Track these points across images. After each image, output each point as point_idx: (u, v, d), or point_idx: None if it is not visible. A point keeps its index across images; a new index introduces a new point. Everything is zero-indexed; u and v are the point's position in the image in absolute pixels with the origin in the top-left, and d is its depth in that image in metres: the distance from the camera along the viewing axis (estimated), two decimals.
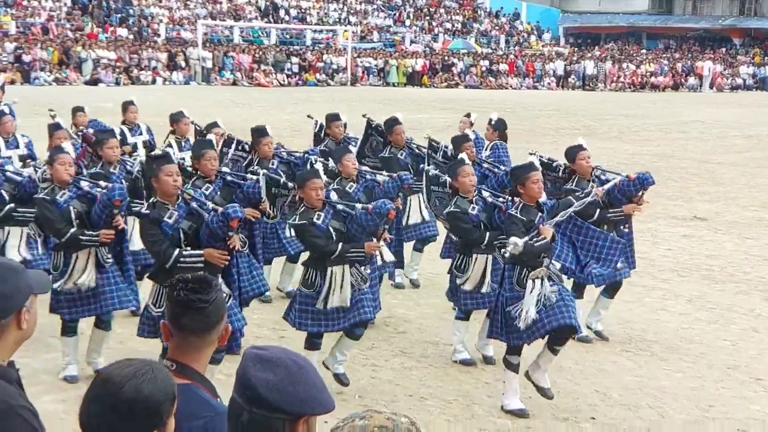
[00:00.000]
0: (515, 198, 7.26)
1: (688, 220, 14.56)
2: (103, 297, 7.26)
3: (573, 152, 8.56)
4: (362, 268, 7.10)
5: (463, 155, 8.29)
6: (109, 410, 2.41)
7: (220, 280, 6.53)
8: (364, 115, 10.99)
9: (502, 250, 6.92)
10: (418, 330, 8.97)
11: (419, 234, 10.23)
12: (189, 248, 6.54)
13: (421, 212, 10.06)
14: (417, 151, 10.25)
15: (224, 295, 6.54)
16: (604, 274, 8.39)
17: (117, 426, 2.42)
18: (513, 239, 6.64)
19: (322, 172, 7.36)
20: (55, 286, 7.14)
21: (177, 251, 6.47)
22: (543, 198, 7.33)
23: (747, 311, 9.77)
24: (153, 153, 8.53)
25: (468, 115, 12.07)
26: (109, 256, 7.30)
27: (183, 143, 10.86)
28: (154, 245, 6.57)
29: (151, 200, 6.78)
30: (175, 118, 11.15)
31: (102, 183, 7.43)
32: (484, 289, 7.76)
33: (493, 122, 11.26)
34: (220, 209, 6.52)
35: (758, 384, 7.72)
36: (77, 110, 12.21)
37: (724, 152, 23.48)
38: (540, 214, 7.10)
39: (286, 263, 10.01)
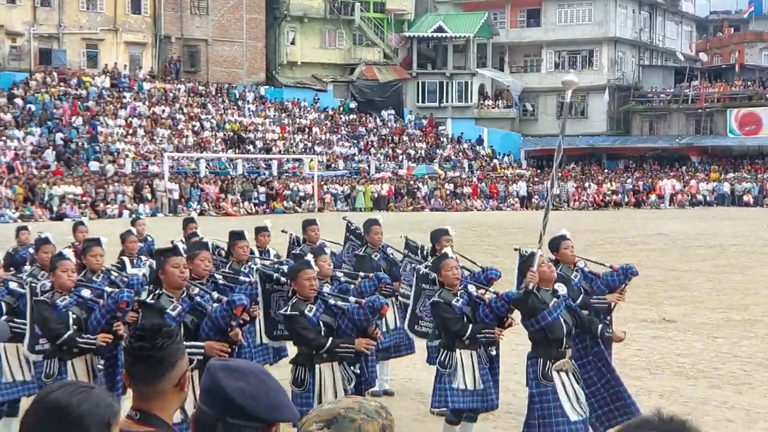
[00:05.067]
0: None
1: (657, 323, 14.64)
2: None
3: (557, 242, 8.67)
4: (350, 367, 6.94)
5: (446, 249, 8.25)
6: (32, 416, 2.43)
7: None
8: (344, 218, 11.13)
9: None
10: None
11: (388, 341, 9.89)
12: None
13: (394, 318, 9.99)
14: (391, 256, 10.26)
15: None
16: None
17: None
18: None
19: (313, 263, 7.25)
20: None
21: None
22: (563, 291, 7.27)
23: (720, 404, 9.77)
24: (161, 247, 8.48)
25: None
26: (101, 362, 7.22)
27: (135, 261, 10.82)
28: None
29: (156, 291, 6.64)
30: (123, 237, 11.22)
31: (108, 289, 7.47)
32: (475, 386, 7.56)
33: None
34: (225, 299, 6.49)
35: None
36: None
37: (689, 261, 23.75)
38: (555, 299, 7.11)
39: None
